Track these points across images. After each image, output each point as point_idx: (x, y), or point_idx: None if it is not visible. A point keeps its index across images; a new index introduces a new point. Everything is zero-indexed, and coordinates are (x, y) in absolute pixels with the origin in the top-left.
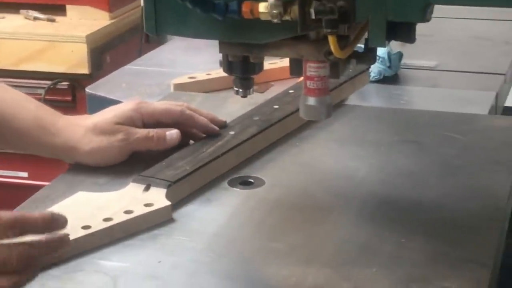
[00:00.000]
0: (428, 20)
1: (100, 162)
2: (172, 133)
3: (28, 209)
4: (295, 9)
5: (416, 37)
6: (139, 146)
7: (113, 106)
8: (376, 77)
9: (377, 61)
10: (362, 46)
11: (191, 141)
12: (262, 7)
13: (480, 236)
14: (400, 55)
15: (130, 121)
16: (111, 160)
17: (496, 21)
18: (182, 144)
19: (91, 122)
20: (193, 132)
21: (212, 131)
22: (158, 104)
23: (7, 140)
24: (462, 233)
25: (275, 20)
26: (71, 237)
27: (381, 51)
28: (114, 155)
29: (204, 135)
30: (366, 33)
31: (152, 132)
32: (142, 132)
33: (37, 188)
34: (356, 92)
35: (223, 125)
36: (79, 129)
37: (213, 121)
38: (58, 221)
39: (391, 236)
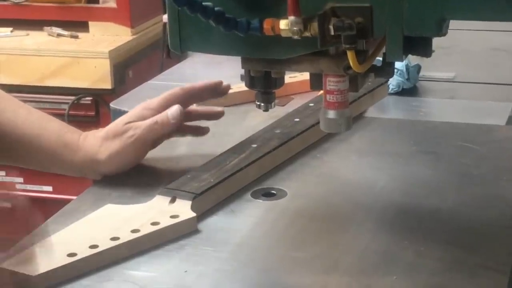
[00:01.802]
0: (444, 35)
1: (120, 166)
2: (172, 110)
3: (57, 223)
4: (315, 26)
5: (434, 49)
6: (149, 136)
7: None
8: (395, 90)
9: (395, 73)
10: (381, 59)
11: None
12: (283, 24)
13: (497, 244)
14: (418, 68)
15: (142, 119)
16: (130, 160)
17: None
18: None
19: (103, 130)
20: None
21: (216, 85)
22: (160, 96)
23: (31, 160)
24: (479, 241)
25: (296, 37)
26: (100, 248)
27: (399, 64)
28: (131, 154)
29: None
30: (384, 48)
31: (155, 117)
32: (146, 121)
33: (62, 202)
34: (375, 104)
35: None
36: (96, 141)
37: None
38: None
39: (410, 244)
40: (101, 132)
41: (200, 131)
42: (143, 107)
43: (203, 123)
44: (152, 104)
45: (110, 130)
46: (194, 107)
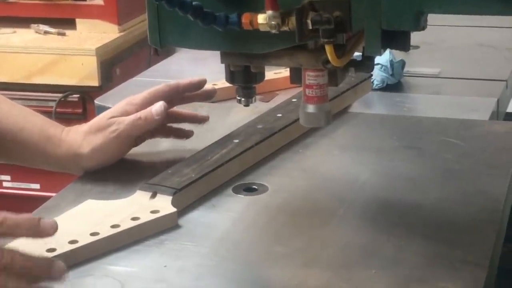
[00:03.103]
0: (423, 29)
1: (103, 160)
2: (156, 106)
3: None
4: (292, 20)
5: (419, 45)
6: (132, 131)
7: None
8: (379, 85)
9: (380, 69)
10: (361, 54)
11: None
12: (261, 19)
13: (477, 238)
14: (402, 63)
15: (125, 114)
16: (113, 155)
17: (498, 28)
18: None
19: (87, 125)
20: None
21: (200, 83)
22: (144, 92)
23: (16, 154)
24: (460, 235)
25: (274, 31)
26: (80, 244)
27: (383, 59)
28: (113, 149)
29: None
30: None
31: (139, 113)
32: (130, 116)
33: (49, 199)
34: (360, 100)
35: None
36: (79, 135)
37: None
38: (45, 227)
39: (391, 239)
40: (84, 126)
41: (184, 134)
42: (126, 102)
43: (186, 126)
44: (135, 100)
45: (93, 124)
46: (179, 109)
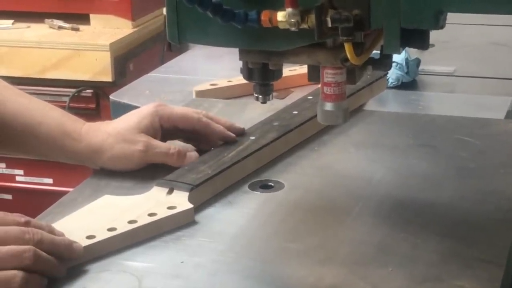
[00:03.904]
0: (441, 28)
1: (120, 168)
2: (191, 155)
3: (55, 213)
4: (312, 18)
5: (434, 43)
6: (157, 160)
7: (134, 110)
8: (394, 83)
9: (395, 67)
10: (379, 52)
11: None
12: (280, 16)
13: (493, 237)
14: (417, 62)
15: (150, 127)
16: (131, 167)
17: None
18: (203, 150)
19: (112, 128)
20: (211, 139)
21: (229, 138)
22: (177, 109)
23: (33, 148)
24: (475, 233)
25: (293, 29)
26: (97, 239)
27: (399, 58)
28: (134, 163)
29: (222, 142)
30: (382, 40)
31: (173, 150)
32: (162, 147)
33: (62, 194)
34: (375, 98)
35: (241, 132)
36: (101, 134)
37: (231, 128)
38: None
39: (406, 237)
40: (108, 127)
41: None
42: (153, 112)
43: None
44: (163, 111)
45: (120, 132)
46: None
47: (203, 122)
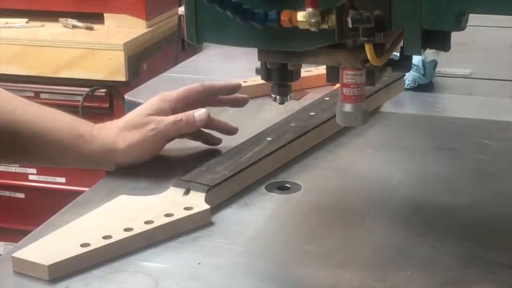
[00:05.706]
0: (463, 29)
1: (138, 157)
2: (201, 113)
3: (70, 213)
4: (332, 18)
5: (451, 45)
6: (171, 132)
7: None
8: (410, 85)
9: (411, 69)
10: (398, 54)
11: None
12: (300, 16)
13: None
14: (434, 63)
15: (160, 111)
16: (148, 153)
17: None
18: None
19: (122, 121)
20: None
21: (235, 87)
22: (179, 89)
23: (47, 154)
24: (495, 237)
25: (313, 29)
26: (114, 239)
27: (415, 59)
28: (150, 147)
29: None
30: (402, 41)
31: (181, 115)
32: (170, 117)
33: (75, 193)
34: (391, 99)
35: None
36: (113, 131)
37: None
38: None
39: (425, 240)
40: (118, 122)
41: (212, 141)
42: (160, 98)
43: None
44: (169, 96)
45: (129, 121)
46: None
47: (207, 84)
